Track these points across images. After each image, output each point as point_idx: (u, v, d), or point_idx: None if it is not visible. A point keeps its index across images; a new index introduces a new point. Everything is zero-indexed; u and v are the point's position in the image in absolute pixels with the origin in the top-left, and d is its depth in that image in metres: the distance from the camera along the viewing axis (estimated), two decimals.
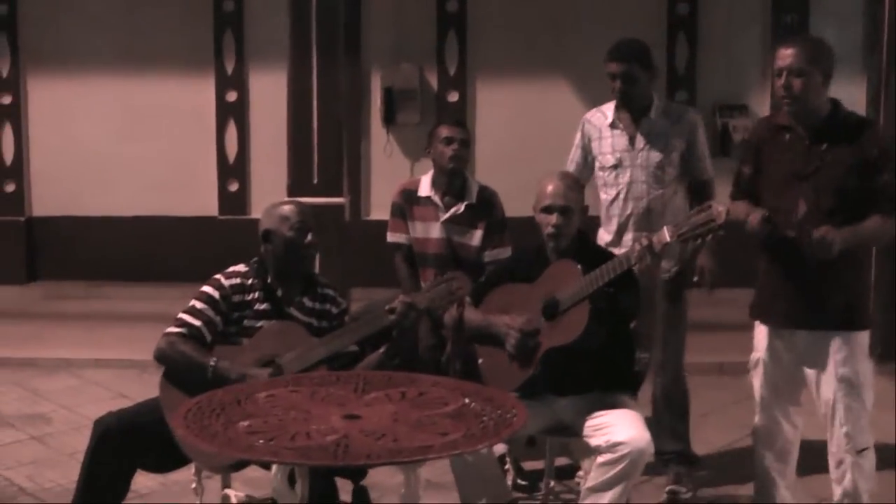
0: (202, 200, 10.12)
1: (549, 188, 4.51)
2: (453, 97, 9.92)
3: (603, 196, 5.56)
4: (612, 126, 5.50)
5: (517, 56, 9.85)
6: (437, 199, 5.81)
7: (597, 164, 5.58)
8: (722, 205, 4.25)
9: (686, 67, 9.86)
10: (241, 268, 4.53)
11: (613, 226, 5.50)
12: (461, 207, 5.77)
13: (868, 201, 4.40)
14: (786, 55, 4.41)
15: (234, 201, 10.16)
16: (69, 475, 5.39)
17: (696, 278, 5.52)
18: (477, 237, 5.77)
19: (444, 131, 5.78)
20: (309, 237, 4.48)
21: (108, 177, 10.16)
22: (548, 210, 4.49)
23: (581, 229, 4.61)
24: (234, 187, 10.16)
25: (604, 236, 5.55)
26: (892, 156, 4.43)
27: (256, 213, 9.80)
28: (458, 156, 5.77)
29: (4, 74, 10.22)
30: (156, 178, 10.10)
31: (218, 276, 4.49)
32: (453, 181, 5.81)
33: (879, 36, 8.23)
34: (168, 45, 10.02)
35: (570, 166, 5.65)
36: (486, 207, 5.81)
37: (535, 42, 9.82)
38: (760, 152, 4.64)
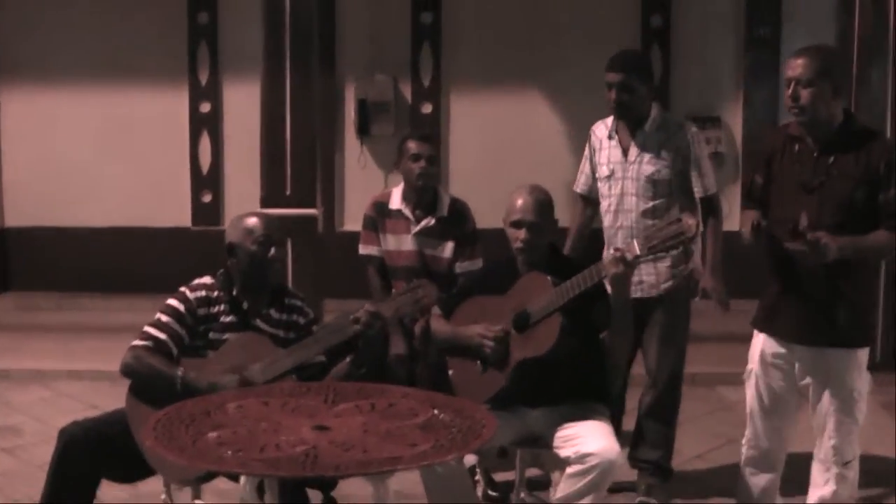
0: (175, 211, 10.10)
1: (519, 202, 4.52)
2: (427, 109, 9.93)
3: (602, 207, 5.55)
4: (610, 137, 5.50)
5: (491, 68, 9.87)
6: (408, 212, 5.82)
7: (597, 175, 5.59)
8: (692, 217, 4.28)
9: (660, 79, 9.86)
10: (206, 280, 4.53)
11: (607, 236, 5.49)
12: (432, 221, 5.78)
13: (873, 216, 4.37)
14: (795, 65, 4.37)
15: (207, 212, 10.14)
16: (39, 487, 5.31)
17: (698, 298, 5.51)
18: (448, 249, 5.78)
19: (412, 147, 5.78)
20: (272, 251, 4.47)
21: (82, 187, 10.14)
22: (517, 225, 4.51)
23: (552, 242, 4.62)
24: (207, 198, 10.15)
25: (605, 252, 5.53)
26: None
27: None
28: (426, 173, 5.76)
29: None
30: (129, 189, 10.08)
31: (183, 288, 4.49)
32: (424, 195, 5.81)
33: (849, 47, 8.29)
34: (143, 56, 10.00)
35: (580, 177, 5.70)
36: (457, 220, 5.82)
37: (509, 54, 9.84)
38: (772, 162, 4.60)
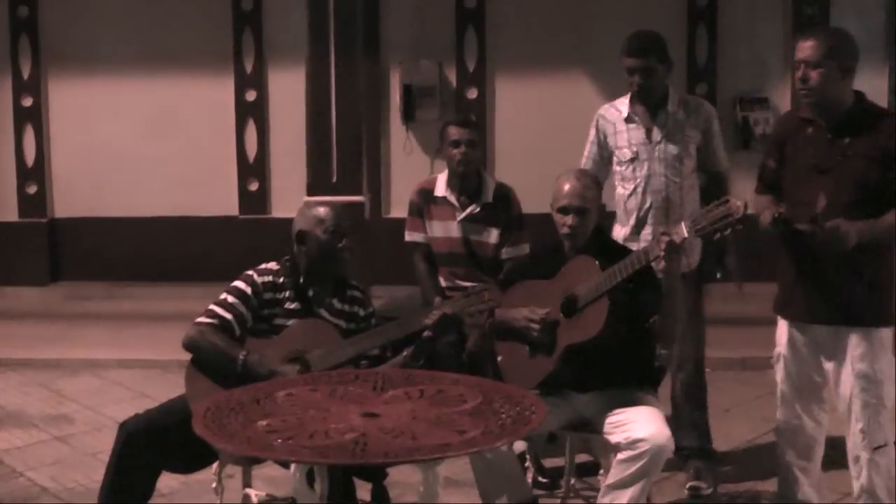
0: (223, 200, 10.15)
1: (566, 188, 4.50)
2: (472, 94, 9.90)
3: (620, 191, 5.51)
4: (628, 120, 5.46)
5: (536, 51, 9.83)
6: (452, 198, 5.79)
7: (614, 160, 5.54)
8: (740, 199, 4.23)
9: (706, 60, 9.82)
10: (272, 266, 4.56)
11: (632, 220, 5.45)
12: (477, 207, 5.75)
13: (888, 195, 4.34)
14: (804, 47, 4.38)
15: (254, 201, 10.18)
16: (92, 475, 5.44)
17: (718, 275, 5.49)
18: (494, 235, 5.75)
19: (452, 133, 5.74)
20: (343, 241, 4.49)
21: (129, 177, 10.21)
22: (564, 210, 4.49)
23: (598, 225, 4.60)
24: (253, 187, 10.19)
25: (619, 231, 5.50)
26: None
27: (276, 212, 10.00)
28: (466, 159, 5.72)
29: (26, 76, 10.27)
30: (176, 178, 10.13)
31: (250, 272, 4.52)
32: (467, 181, 5.78)
33: None
34: (188, 44, 10.06)
35: (586, 163, 5.62)
36: (502, 205, 5.78)
37: (553, 37, 9.80)
38: (784, 146, 4.60)
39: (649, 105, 5.42)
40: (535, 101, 9.85)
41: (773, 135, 4.76)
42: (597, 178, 4.75)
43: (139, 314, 9.30)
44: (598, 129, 5.62)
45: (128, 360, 7.96)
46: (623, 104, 5.52)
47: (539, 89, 9.87)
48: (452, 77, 9.93)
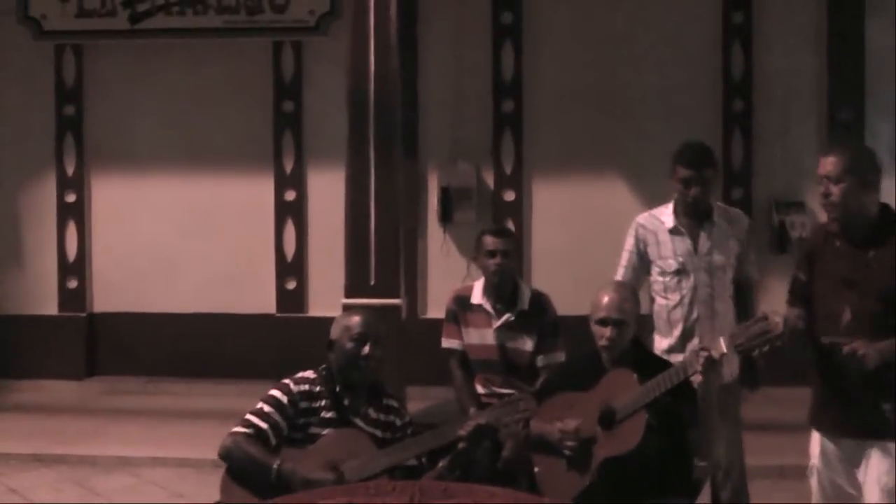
0: (260, 298, 10.21)
1: (605, 300, 4.53)
2: (510, 196, 9.97)
3: (662, 301, 5.51)
4: (674, 231, 5.48)
5: (572, 154, 9.91)
6: (488, 306, 5.82)
7: (655, 270, 5.54)
8: (779, 315, 4.25)
9: (742, 164, 9.85)
10: (309, 374, 4.60)
11: (676, 331, 5.44)
12: (513, 315, 5.77)
13: None
14: (826, 163, 4.45)
15: (291, 299, 10.24)
16: None
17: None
18: (530, 343, 5.75)
19: (488, 242, 5.78)
20: (366, 349, 4.51)
21: (168, 273, 10.30)
22: (603, 322, 4.52)
23: (636, 337, 4.61)
24: (291, 285, 10.25)
25: (661, 343, 5.48)
26: None
27: (314, 311, 10.05)
28: (502, 269, 5.75)
29: (70, 173, 10.43)
30: (215, 276, 10.21)
31: (287, 380, 4.56)
32: (503, 289, 5.81)
33: None
34: (229, 144, 10.21)
35: (624, 272, 5.62)
36: (538, 313, 5.80)
37: (589, 140, 9.88)
38: (814, 259, 4.63)
39: (695, 215, 5.45)
40: (571, 204, 9.90)
41: (803, 248, 4.81)
42: (635, 290, 4.78)
43: (175, 411, 9.32)
44: (637, 238, 5.62)
45: (162, 459, 7.94)
46: (665, 214, 5.54)
47: (575, 192, 9.92)
48: (490, 179, 10.00)
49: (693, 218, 5.46)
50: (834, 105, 9.79)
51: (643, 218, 5.67)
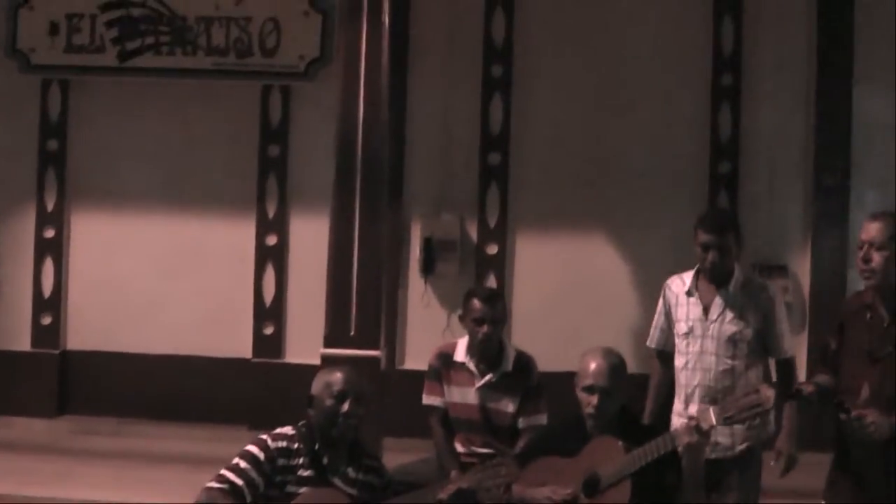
0: (237, 342, 10.08)
1: (592, 367, 4.49)
2: (492, 249, 9.90)
3: (677, 363, 5.52)
4: (689, 294, 5.49)
5: (558, 210, 9.85)
6: (471, 365, 5.78)
7: (675, 331, 5.57)
8: (770, 388, 4.20)
9: None
10: (287, 430, 4.53)
11: (682, 394, 5.45)
12: (496, 376, 5.71)
13: None
14: (870, 228, 4.38)
15: (268, 344, 10.11)
16: None
17: (773, 462, 5.39)
18: (512, 405, 5.73)
19: (477, 309, 5.74)
20: (347, 406, 4.45)
21: (145, 313, 10.17)
22: (589, 390, 4.48)
23: (624, 405, 4.56)
24: (269, 330, 10.14)
25: (676, 404, 5.49)
26: None
27: (291, 357, 9.95)
28: (489, 337, 5.72)
29: (50, 208, 10.31)
30: (192, 318, 10.09)
31: (264, 436, 4.49)
32: (488, 350, 5.76)
33: None
34: (211, 185, 10.11)
35: (655, 333, 5.68)
36: (522, 375, 5.78)
37: (575, 196, 9.83)
38: (845, 328, 4.55)
39: (714, 282, 5.42)
40: (555, 259, 9.83)
41: (837, 316, 4.70)
42: (621, 356, 4.71)
43: (145, 454, 9.15)
44: (664, 300, 5.65)
45: None
46: (688, 276, 5.56)
47: (560, 247, 9.86)
48: (473, 231, 9.95)
49: (710, 283, 5.43)
50: (820, 169, 9.79)
51: (671, 279, 5.69)
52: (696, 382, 5.39)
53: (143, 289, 10.17)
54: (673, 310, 5.56)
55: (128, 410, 10.07)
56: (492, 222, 9.93)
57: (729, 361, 5.37)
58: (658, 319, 5.68)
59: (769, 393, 4.15)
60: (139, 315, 10.17)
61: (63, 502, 7.83)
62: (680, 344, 5.49)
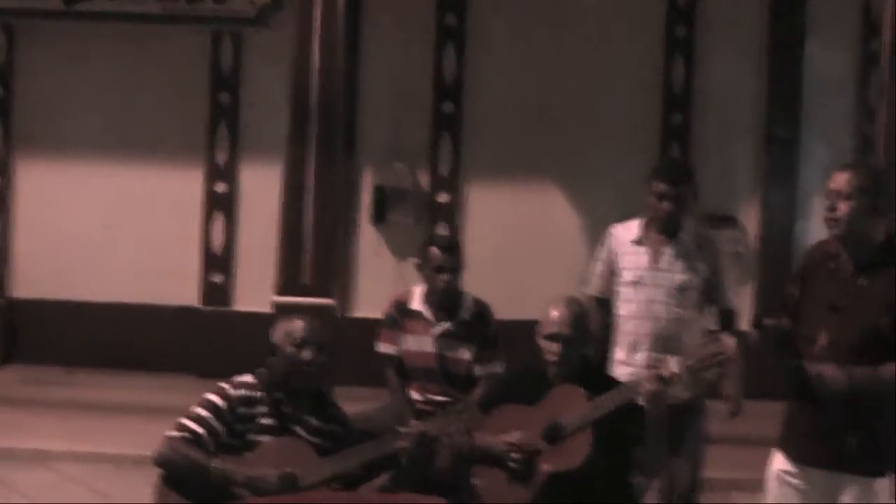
0: (185, 290, 10.01)
1: (555, 315, 4.48)
2: (444, 198, 9.87)
3: (621, 312, 5.50)
4: (638, 243, 5.47)
5: (510, 159, 9.84)
6: (428, 314, 5.75)
7: (618, 280, 5.53)
8: (731, 337, 4.22)
9: None
10: (248, 378, 4.47)
11: (627, 342, 5.43)
12: (453, 324, 5.70)
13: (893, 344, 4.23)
14: (838, 178, 4.29)
15: (217, 293, 10.04)
16: None
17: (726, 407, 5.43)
18: (468, 353, 5.71)
19: (436, 257, 5.71)
20: (308, 354, 4.41)
21: (92, 261, 10.06)
22: (552, 338, 4.46)
23: (585, 354, 4.56)
24: (217, 279, 10.06)
25: (617, 353, 5.48)
26: None
27: (240, 305, 9.89)
28: (449, 286, 5.71)
29: None
30: (139, 265, 9.99)
31: (225, 385, 4.43)
32: (446, 298, 5.74)
33: (871, 152, 8.27)
34: (160, 133, 9.98)
35: (594, 280, 5.64)
36: (478, 323, 5.76)
37: (528, 147, 9.81)
38: (806, 276, 4.53)
39: (664, 232, 5.42)
40: (506, 209, 9.83)
41: (799, 265, 4.67)
42: (584, 304, 4.71)
43: (94, 403, 9.04)
44: (607, 247, 5.62)
45: (81, 454, 7.69)
46: (635, 226, 5.53)
47: (511, 198, 9.86)
48: (425, 180, 9.91)
49: (661, 234, 5.43)
50: (771, 122, 9.86)
51: (615, 228, 5.65)
52: (644, 331, 5.38)
53: (90, 237, 10.05)
54: (618, 258, 5.54)
55: (75, 359, 9.96)
56: (444, 171, 9.90)
57: (678, 310, 5.37)
58: (597, 266, 5.64)
59: (731, 342, 4.16)
60: (86, 263, 10.06)
61: (13, 449, 7.75)
62: (626, 292, 5.46)
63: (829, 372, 4.14)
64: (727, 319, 5.51)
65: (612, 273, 5.57)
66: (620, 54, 9.76)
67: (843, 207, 4.28)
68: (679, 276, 5.37)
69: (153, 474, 4.41)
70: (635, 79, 9.81)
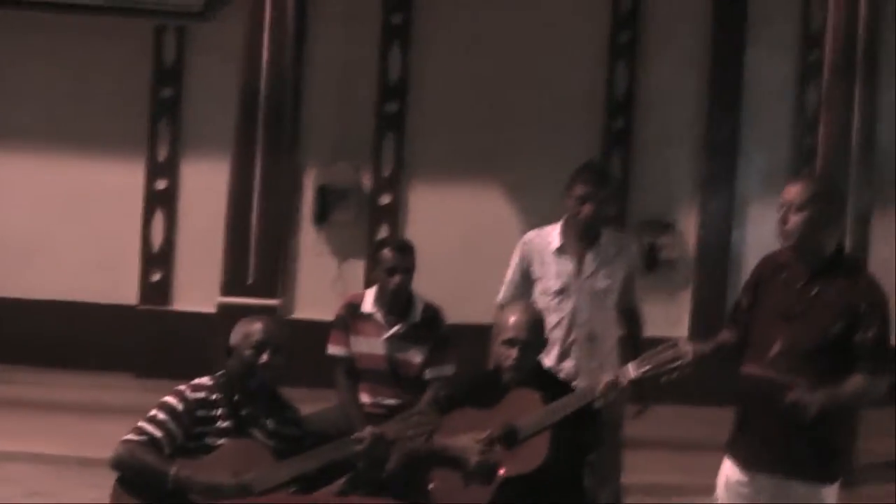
0: (123, 288, 9.88)
1: (512, 320, 4.50)
2: (387, 199, 9.86)
3: (548, 320, 5.44)
4: (560, 251, 5.47)
5: (453, 161, 9.83)
6: (380, 316, 5.72)
7: (538, 288, 5.52)
8: (689, 343, 4.25)
9: (619, 182, 9.91)
10: (206, 381, 4.43)
11: (555, 351, 5.40)
12: (404, 327, 5.69)
13: (850, 355, 4.29)
14: (791, 190, 4.37)
15: (155, 291, 9.91)
16: None
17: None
18: (419, 355, 5.69)
19: (388, 259, 5.68)
20: (265, 357, 4.37)
21: (28, 258, 9.88)
22: (510, 343, 4.48)
23: (539, 359, 4.58)
24: (156, 277, 9.94)
25: (545, 361, 5.42)
26: (881, 311, 4.32)
27: (179, 304, 9.77)
28: (401, 287, 5.68)
29: None
30: (76, 263, 9.84)
31: (182, 387, 4.38)
32: (398, 300, 5.73)
33: (811, 161, 8.38)
34: (100, 126, 9.83)
35: (507, 287, 5.62)
36: (429, 325, 5.74)
37: (471, 146, 9.81)
38: (759, 286, 4.59)
39: (584, 237, 5.43)
40: (450, 209, 9.83)
41: (751, 275, 4.72)
42: (540, 311, 4.73)
43: (29, 401, 8.85)
44: (523, 256, 5.59)
45: (16, 453, 7.55)
46: (553, 233, 5.52)
47: (455, 198, 9.86)
48: (368, 181, 9.88)
49: (581, 240, 5.45)
50: (710, 128, 9.95)
51: (530, 236, 5.64)
52: (572, 339, 5.41)
53: (26, 232, 9.88)
54: (536, 268, 5.53)
55: (11, 357, 9.74)
56: (387, 171, 9.88)
57: (601, 315, 5.45)
58: (513, 276, 5.62)
59: (688, 347, 4.19)
60: (23, 259, 9.88)
61: None
62: (550, 302, 5.44)
63: (806, 398, 4.17)
64: (634, 317, 5.61)
65: (525, 282, 5.57)
66: (565, 58, 9.80)
67: (794, 219, 4.36)
68: (601, 282, 5.44)
69: (92, 475, 4.38)
70: (579, 82, 9.87)
